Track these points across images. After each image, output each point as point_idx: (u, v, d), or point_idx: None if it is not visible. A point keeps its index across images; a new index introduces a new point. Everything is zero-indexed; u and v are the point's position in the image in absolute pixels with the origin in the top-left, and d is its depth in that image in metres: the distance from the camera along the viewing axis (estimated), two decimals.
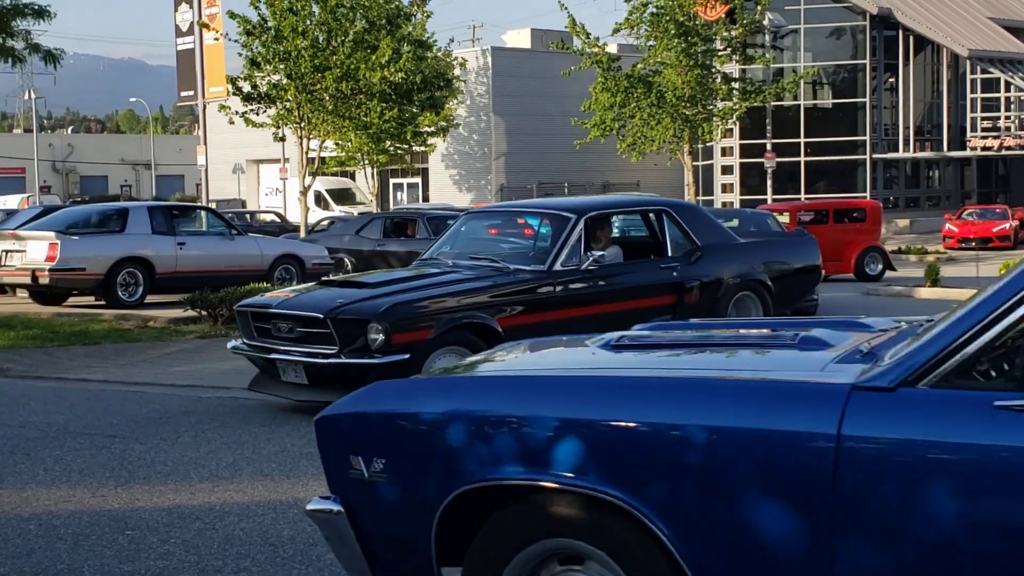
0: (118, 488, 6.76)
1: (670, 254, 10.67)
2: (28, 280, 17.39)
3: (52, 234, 17.44)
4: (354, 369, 8.56)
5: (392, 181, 55.59)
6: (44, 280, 17.18)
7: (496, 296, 9.33)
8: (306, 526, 5.91)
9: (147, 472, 7.16)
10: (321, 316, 8.75)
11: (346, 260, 21.40)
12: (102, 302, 17.63)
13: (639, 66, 39.90)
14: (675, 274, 10.51)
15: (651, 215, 11.24)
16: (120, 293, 17.48)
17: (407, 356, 8.53)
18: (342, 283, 9.94)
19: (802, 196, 44.99)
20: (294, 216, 39.69)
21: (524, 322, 9.16)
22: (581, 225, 9.96)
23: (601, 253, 9.96)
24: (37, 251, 17.24)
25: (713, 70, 39.84)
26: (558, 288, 9.61)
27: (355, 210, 41.35)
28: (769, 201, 37.69)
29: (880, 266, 25.35)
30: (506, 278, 9.55)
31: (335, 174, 47.41)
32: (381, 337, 8.51)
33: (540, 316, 9.35)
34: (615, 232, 11.69)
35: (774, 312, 11.04)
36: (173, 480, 6.95)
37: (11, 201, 57.28)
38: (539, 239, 10.26)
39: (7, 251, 17.74)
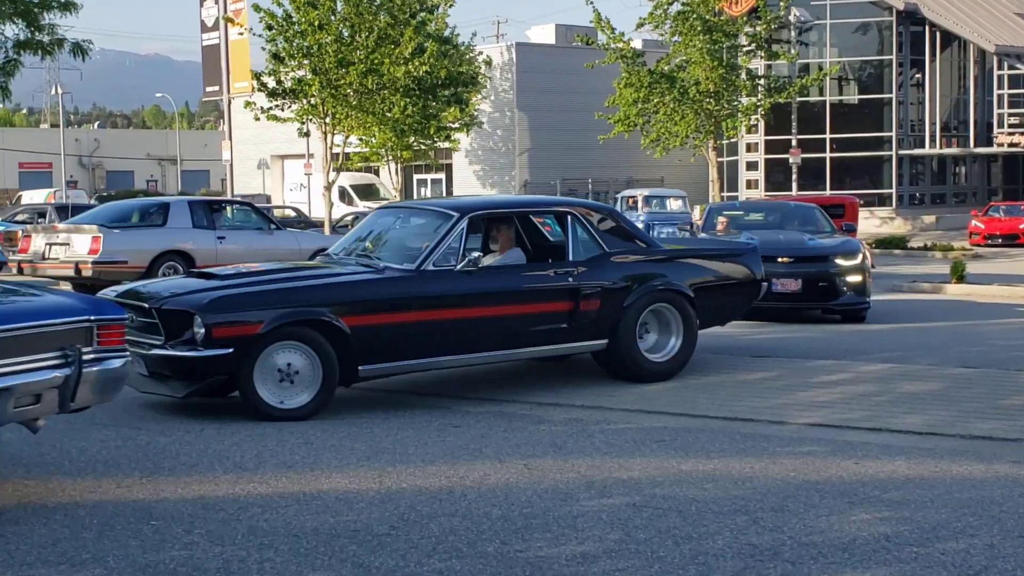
0: (143, 479, 6.80)
1: (571, 258, 9.95)
2: (71, 272, 17.69)
3: (95, 227, 17.75)
4: (179, 362, 8.51)
5: (416, 177, 55.62)
6: (87, 272, 17.47)
7: (353, 294, 9.00)
8: (329, 517, 5.94)
9: (172, 463, 7.20)
10: (147, 306, 8.71)
11: None
12: None
13: (663, 62, 39.79)
14: (571, 279, 9.76)
15: (557, 217, 10.58)
16: None
17: (231, 350, 8.40)
18: (202, 274, 9.87)
19: (827, 192, 44.71)
20: (318, 212, 39.79)
21: (381, 321, 8.90)
22: (463, 225, 9.46)
23: (478, 254, 9.48)
24: (80, 244, 17.60)
25: (738, 67, 39.69)
26: (426, 289, 9.15)
27: (378, 206, 41.34)
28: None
29: None
30: (369, 276, 9.21)
31: (359, 170, 47.44)
32: (202, 331, 8.40)
33: (400, 316, 8.97)
34: (523, 234, 10.62)
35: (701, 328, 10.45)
36: (198, 472, 6.99)
37: (37, 196, 57.62)
38: (427, 238, 9.62)
39: (51, 244, 18.03)
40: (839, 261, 15.07)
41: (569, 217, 10.17)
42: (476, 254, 9.49)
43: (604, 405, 9.13)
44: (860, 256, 15.27)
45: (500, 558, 5.26)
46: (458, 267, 9.33)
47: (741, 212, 18.59)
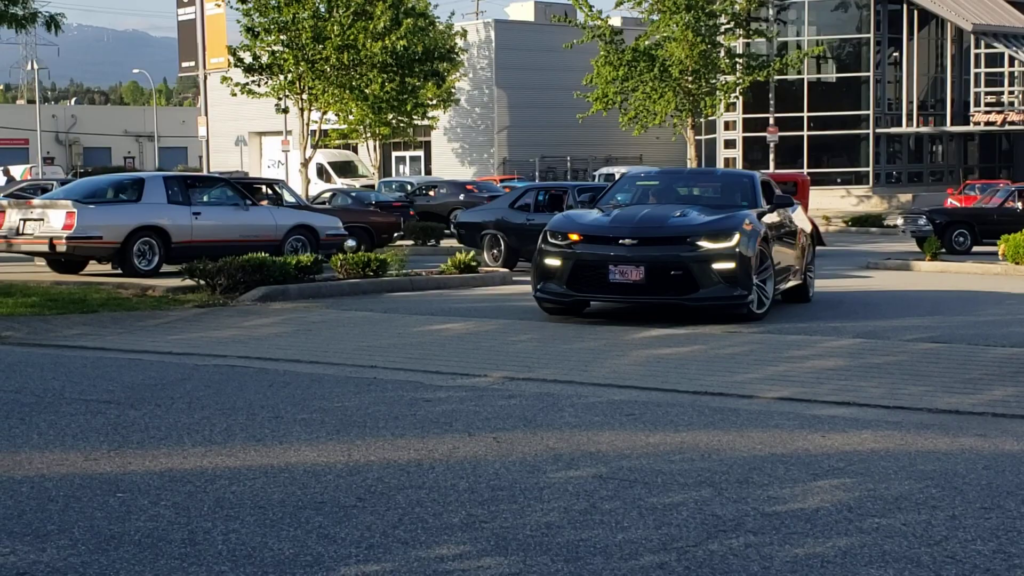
0: (111, 452, 6.79)
1: None
2: (46, 248, 17.62)
3: (69, 203, 17.66)
4: None
5: (395, 154, 55.50)
6: (61, 248, 17.41)
7: None
8: (296, 489, 5.95)
9: (141, 437, 7.19)
10: None
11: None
12: (119, 271, 17.80)
13: (642, 39, 39.76)
14: None
15: None
16: (136, 262, 17.72)
17: None
18: None
19: (805, 170, 44.85)
20: (295, 188, 39.65)
21: None
22: None
23: None
24: (55, 220, 17.51)
25: (718, 44, 39.70)
26: None
27: (357, 183, 41.29)
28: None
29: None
30: None
31: (338, 147, 47.31)
32: None
33: None
34: None
35: None
36: (166, 445, 6.98)
37: (14, 171, 57.21)
38: None
39: (25, 220, 17.93)
40: (703, 243, 11.80)
41: None
42: None
43: (576, 379, 9.16)
44: (736, 237, 11.87)
45: (465, 528, 5.29)
46: None
47: (656, 182, 14.75)
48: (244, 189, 22.59)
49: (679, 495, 5.81)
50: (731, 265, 11.73)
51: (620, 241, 11.90)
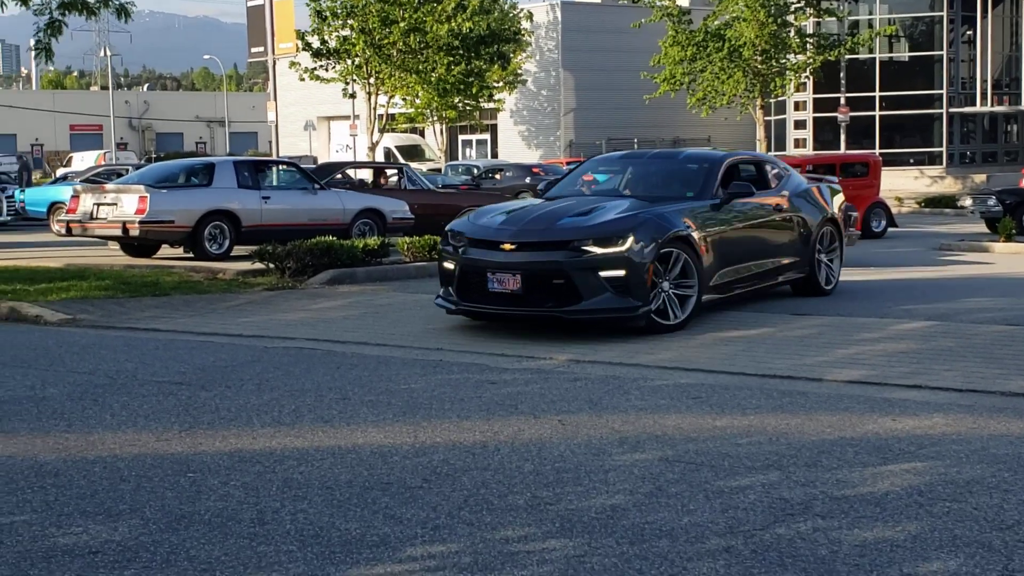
0: (182, 433, 6.89)
1: None
2: (119, 232, 17.95)
3: (142, 187, 17.98)
4: None
5: (461, 138, 55.58)
6: (134, 232, 17.72)
7: None
8: (363, 470, 5.99)
9: (211, 418, 7.29)
10: None
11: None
12: (190, 255, 18.10)
13: (710, 19, 39.43)
14: None
15: None
16: (208, 245, 18.02)
17: None
18: None
19: (877, 150, 44.24)
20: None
21: None
22: None
23: None
24: (128, 204, 17.82)
25: (788, 24, 39.26)
26: None
27: (424, 167, 41.42)
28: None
29: (884, 222, 24.69)
30: None
31: (404, 131, 47.47)
32: None
33: None
34: None
35: None
36: (236, 426, 7.07)
37: (88, 158, 58.13)
38: None
39: (99, 204, 18.26)
40: (591, 248, 10.24)
41: None
42: None
43: (642, 363, 9.13)
44: (628, 240, 10.27)
45: (530, 510, 5.29)
46: None
47: (615, 168, 13.15)
48: (374, 173, 23.41)
49: (746, 479, 5.77)
50: (620, 272, 10.18)
51: (500, 246, 10.52)
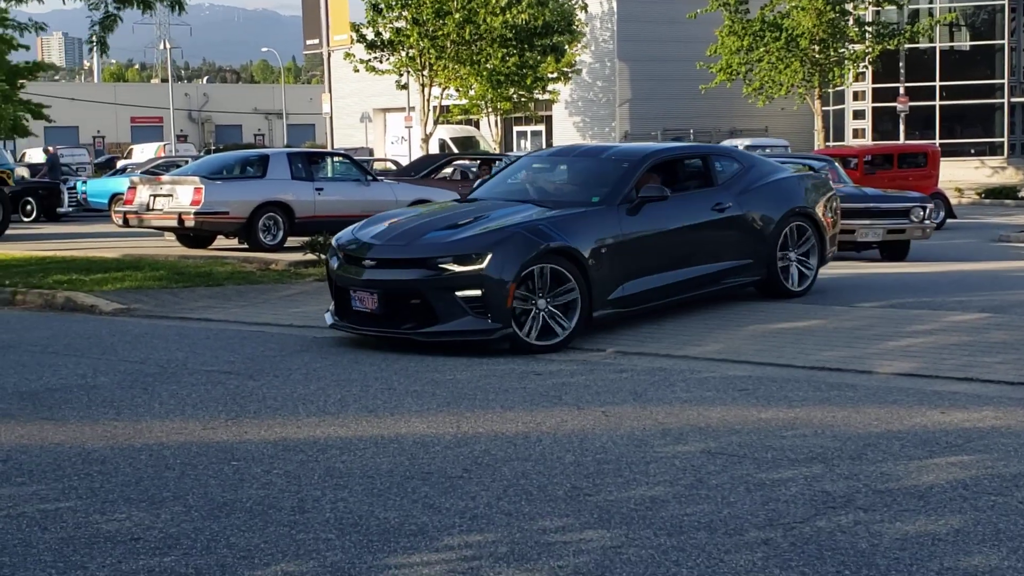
0: (228, 421, 6.96)
1: None
2: (175, 223, 18.20)
3: (197, 179, 18.21)
4: None
5: (516, 129, 55.56)
6: (190, 223, 17.96)
7: None
8: (404, 459, 6.02)
9: (257, 407, 7.35)
10: None
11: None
12: (245, 245, 18.30)
13: (767, 8, 39.12)
14: None
15: None
16: (262, 236, 18.23)
17: None
18: None
19: (936, 141, 43.67)
20: None
21: None
22: None
23: None
24: (183, 195, 18.06)
25: (847, 13, 38.86)
26: None
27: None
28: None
29: (942, 213, 24.31)
30: None
31: (459, 122, 47.53)
32: None
33: None
34: None
35: None
36: (281, 415, 7.12)
37: (148, 150, 58.83)
38: None
39: (155, 195, 18.51)
40: (450, 266, 9.41)
41: None
42: None
43: (689, 354, 9.08)
44: (487, 258, 9.34)
45: (569, 501, 5.29)
46: None
47: (544, 165, 12.30)
48: (484, 163, 23.78)
49: (788, 471, 5.73)
50: (477, 292, 9.32)
51: (363, 262, 9.86)
